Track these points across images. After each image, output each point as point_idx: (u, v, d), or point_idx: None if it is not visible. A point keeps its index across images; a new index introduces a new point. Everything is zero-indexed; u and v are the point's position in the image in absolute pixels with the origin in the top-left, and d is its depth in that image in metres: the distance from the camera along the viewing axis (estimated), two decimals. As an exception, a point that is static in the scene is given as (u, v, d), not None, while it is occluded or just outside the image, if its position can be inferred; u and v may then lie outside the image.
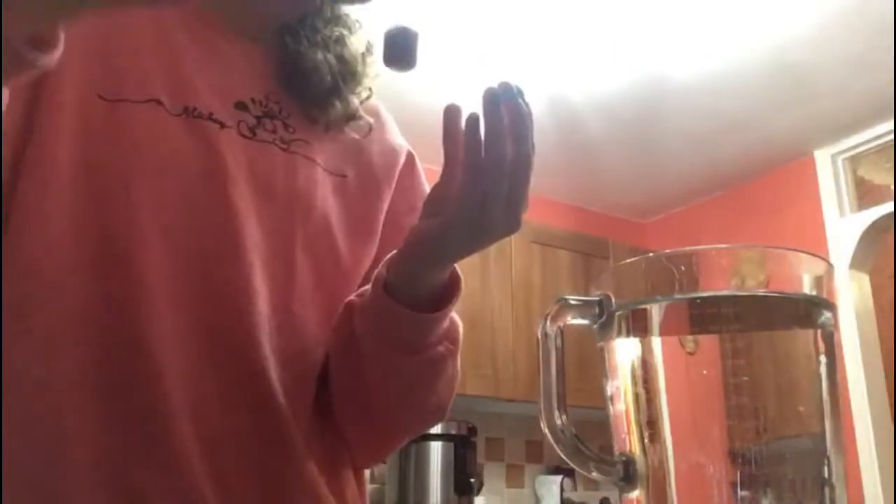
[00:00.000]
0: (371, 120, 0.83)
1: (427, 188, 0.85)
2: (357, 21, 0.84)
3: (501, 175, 0.59)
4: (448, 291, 0.69)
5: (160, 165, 0.66)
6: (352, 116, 0.80)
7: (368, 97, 0.83)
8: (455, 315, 0.74)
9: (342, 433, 0.75)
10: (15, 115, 0.62)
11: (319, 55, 0.77)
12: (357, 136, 0.81)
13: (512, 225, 0.62)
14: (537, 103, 3.16)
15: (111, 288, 0.62)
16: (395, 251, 0.69)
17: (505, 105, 0.59)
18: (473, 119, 0.61)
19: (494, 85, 0.59)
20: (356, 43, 0.82)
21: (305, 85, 0.77)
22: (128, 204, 0.64)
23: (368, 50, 0.83)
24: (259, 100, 0.75)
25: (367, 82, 0.82)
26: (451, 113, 0.64)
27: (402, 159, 0.87)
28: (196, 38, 0.74)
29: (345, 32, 0.81)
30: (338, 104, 0.78)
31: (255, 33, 0.78)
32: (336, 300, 0.75)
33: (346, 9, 0.83)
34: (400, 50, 0.68)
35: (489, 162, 0.60)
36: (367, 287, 0.71)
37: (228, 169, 0.68)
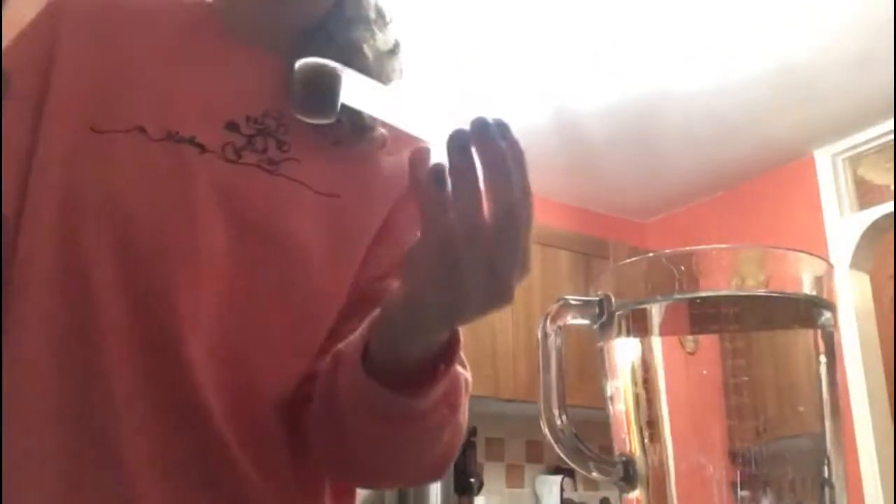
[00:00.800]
0: (385, 132, 0.76)
1: None
2: (383, 17, 0.78)
3: (475, 240, 0.47)
4: (447, 351, 0.59)
5: (134, 193, 0.66)
6: (364, 129, 0.74)
7: None
8: (460, 368, 0.65)
9: (323, 473, 0.72)
10: (22, 138, 0.67)
11: None
12: (370, 148, 0.76)
13: (501, 298, 0.51)
14: (540, 107, 3.17)
15: (73, 317, 0.64)
16: (374, 314, 0.59)
17: (479, 149, 0.47)
18: (437, 171, 0.48)
19: (465, 126, 0.47)
20: (378, 45, 0.76)
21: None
22: (95, 231, 0.65)
23: (394, 50, 0.77)
24: (255, 116, 0.73)
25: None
26: (415, 160, 0.49)
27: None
28: (205, 47, 0.75)
29: (365, 35, 0.76)
30: (343, 120, 0.71)
31: (271, 41, 0.76)
32: (311, 329, 0.71)
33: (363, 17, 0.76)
34: (314, 94, 0.53)
35: (459, 224, 0.47)
36: (355, 336, 0.63)
37: (199, 198, 0.67)
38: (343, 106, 0.70)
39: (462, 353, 0.63)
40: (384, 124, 0.75)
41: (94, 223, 0.65)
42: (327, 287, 0.71)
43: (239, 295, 0.67)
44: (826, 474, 0.45)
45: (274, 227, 0.70)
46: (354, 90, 0.53)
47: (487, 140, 0.47)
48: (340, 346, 0.67)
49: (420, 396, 0.58)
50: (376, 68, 0.75)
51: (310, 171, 0.73)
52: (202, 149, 0.69)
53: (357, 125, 0.74)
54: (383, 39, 0.77)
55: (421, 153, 0.49)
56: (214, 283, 0.66)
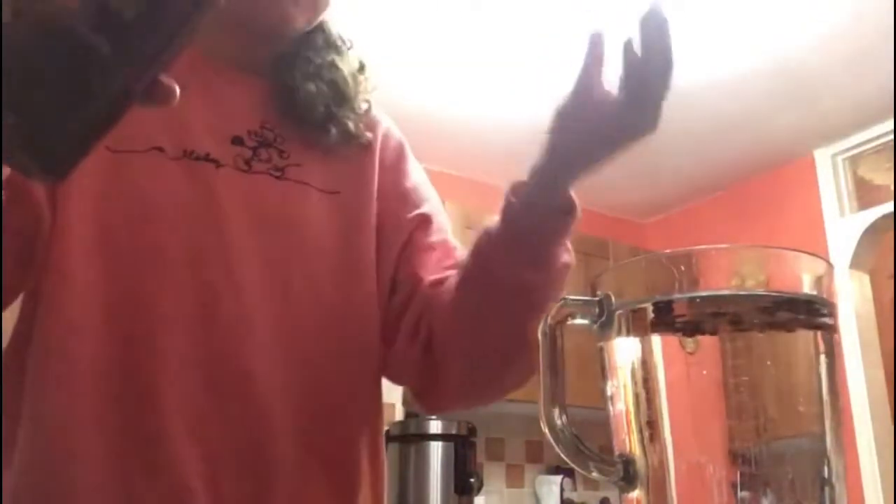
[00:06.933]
0: (370, 135, 0.87)
1: (416, 175, 0.91)
2: (347, 41, 0.89)
3: (665, 81, 0.64)
4: (568, 211, 0.72)
5: (163, 211, 0.72)
6: (349, 137, 0.84)
7: (367, 110, 0.88)
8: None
9: (441, 373, 0.80)
10: None
11: (311, 87, 0.83)
12: (356, 150, 0.86)
13: (656, 125, 0.68)
14: (539, 107, 3.16)
15: (119, 334, 0.68)
16: (532, 168, 0.70)
17: (658, 19, 0.62)
18: (628, 43, 0.65)
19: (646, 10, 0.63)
20: (348, 64, 0.87)
21: (299, 116, 0.82)
22: (136, 254, 0.70)
23: (361, 68, 0.89)
24: (254, 130, 0.81)
25: (362, 98, 0.87)
26: (596, 38, 0.70)
27: (392, 144, 0.91)
28: (199, 80, 0.81)
29: (336, 57, 0.86)
30: (333, 129, 0.83)
31: (252, 67, 0.85)
32: (340, 309, 0.79)
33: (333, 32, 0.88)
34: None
35: (657, 71, 0.63)
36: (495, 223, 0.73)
37: (224, 207, 0.74)
38: (331, 119, 0.83)
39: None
40: (369, 125, 0.87)
41: (132, 240, 0.70)
42: (351, 267, 0.81)
43: (276, 291, 0.74)
44: (826, 474, 0.45)
45: (292, 224, 0.78)
46: None
47: (662, 12, 0.62)
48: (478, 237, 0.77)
49: (566, 226, 0.72)
50: (353, 84, 0.86)
51: (311, 173, 0.82)
52: (217, 163, 0.76)
53: (343, 134, 0.84)
54: (351, 59, 0.89)
55: (598, 35, 0.70)
56: (255, 282, 0.73)
